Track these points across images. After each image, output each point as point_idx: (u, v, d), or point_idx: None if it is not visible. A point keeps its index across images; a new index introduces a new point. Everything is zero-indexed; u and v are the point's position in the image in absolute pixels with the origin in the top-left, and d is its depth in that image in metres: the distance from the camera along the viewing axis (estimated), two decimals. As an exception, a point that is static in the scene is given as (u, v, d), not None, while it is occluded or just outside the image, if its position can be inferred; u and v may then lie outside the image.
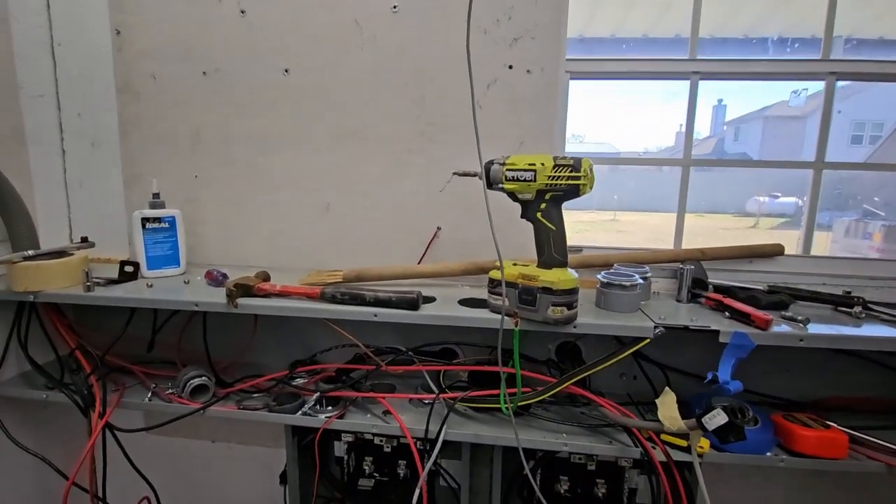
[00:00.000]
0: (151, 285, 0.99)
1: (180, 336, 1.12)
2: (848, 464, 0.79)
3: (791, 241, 1.07)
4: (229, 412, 0.94)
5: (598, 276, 0.88)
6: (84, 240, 1.09)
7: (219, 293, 0.92)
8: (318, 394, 0.95)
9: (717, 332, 0.77)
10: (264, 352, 1.16)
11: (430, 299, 0.92)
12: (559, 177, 0.74)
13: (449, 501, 1.12)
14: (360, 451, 1.14)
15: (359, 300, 0.87)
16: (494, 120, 1.05)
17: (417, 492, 0.85)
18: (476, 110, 1.03)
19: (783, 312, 0.83)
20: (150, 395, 0.98)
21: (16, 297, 0.94)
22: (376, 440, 1.12)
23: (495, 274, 0.82)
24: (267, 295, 0.91)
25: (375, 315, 0.85)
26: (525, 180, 0.77)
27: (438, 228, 1.10)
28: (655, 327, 0.77)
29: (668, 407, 0.73)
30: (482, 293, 0.88)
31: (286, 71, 1.09)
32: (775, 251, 1.02)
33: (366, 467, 1.14)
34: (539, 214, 0.77)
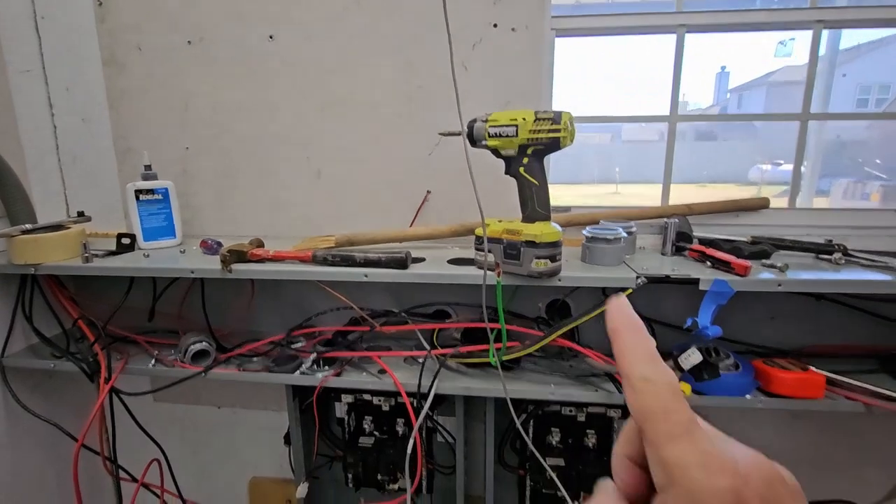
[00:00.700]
0: (148, 255, 1.02)
1: (180, 306, 1.15)
2: (824, 403, 0.82)
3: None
4: (230, 374, 0.98)
5: (584, 232, 0.90)
6: (80, 214, 1.11)
7: (214, 261, 0.94)
8: (314, 354, 0.98)
9: (698, 281, 0.79)
10: (262, 320, 1.19)
11: (420, 260, 0.94)
12: (540, 130, 0.75)
13: (446, 455, 1.16)
14: (360, 411, 1.18)
15: (349, 261, 0.89)
16: (481, 80, 1.04)
17: (412, 442, 0.89)
18: (462, 71, 1.04)
19: (764, 261, 0.85)
20: (153, 361, 1.02)
21: (17, 270, 0.96)
22: (375, 400, 1.16)
23: (481, 231, 0.84)
24: (260, 260, 0.93)
25: (366, 275, 0.87)
26: (507, 136, 0.77)
27: (428, 192, 1.11)
28: (637, 277, 0.79)
29: (648, 352, 0.76)
30: (471, 253, 0.90)
31: (270, 37, 1.08)
32: (760, 204, 1.04)
33: (366, 426, 1.19)
34: (522, 169, 0.79)
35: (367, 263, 0.88)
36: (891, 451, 0.93)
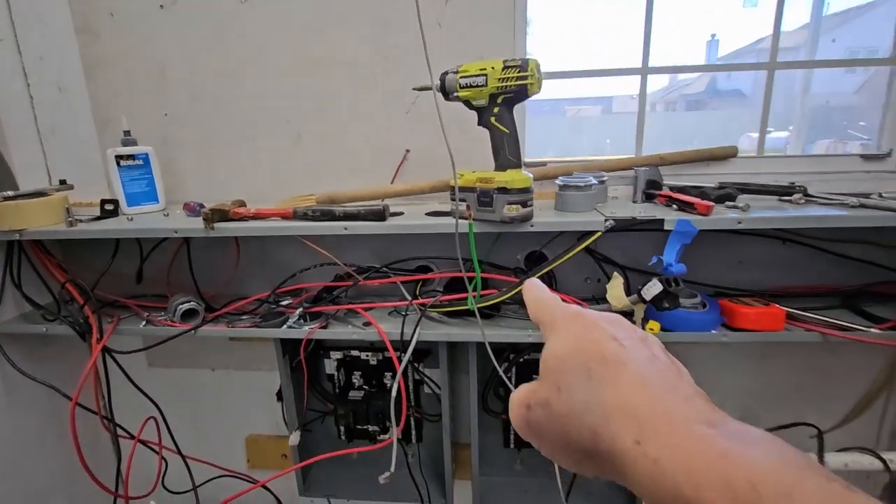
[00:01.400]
0: (132, 219, 1.04)
1: (168, 271, 1.18)
2: (784, 335, 0.87)
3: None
4: (220, 330, 1.01)
5: (556, 181, 0.93)
6: (63, 183, 1.12)
7: (198, 222, 0.96)
8: (300, 309, 1.01)
9: (662, 222, 0.82)
10: (250, 283, 1.21)
11: (399, 214, 0.97)
12: (508, 78, 0.77)
13: (434, 405, 1.22)
14: (349, 366, 1.23)
15: (329, 216, 0.91)
16: (455, 37, 1.05)
17: (395, 386, 0.93)
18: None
19: (729, 203, 0.89)
20: (144, 322, 1.05)
21: (1, 237, 0.98)
22: (363, 355, 1.21)
23: (458, 182, 0.86)
24: (242, 218, 0.95)
25: (345, 228, 0.90)
26: (478, 86, 0.79)
27: (407, 151, 1.13)
28: (605, 220, 0.83)
29: (615, 289, 0.80)
30: (450, 207, 0.93)
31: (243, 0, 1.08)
32: (729, 153, 1.06)
33: (355, 381, 1.23)
34: (493, 119, 0.81)
35: (347, 217, 0.91)
36: (851, 384, 0.99)
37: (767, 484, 0.19)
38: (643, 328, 0.87)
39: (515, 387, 1.02)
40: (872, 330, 0.85)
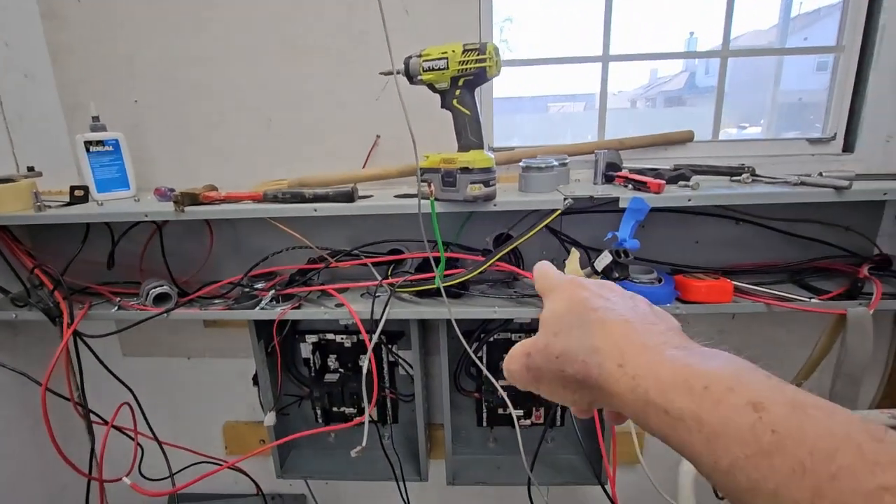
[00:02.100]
0: (102, 204, 1.04)
1: (140, 258, 1.18)
2: (732, 306, 0.92)
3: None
4: (193, 313, 1.02)
5: (520, 164, 0.97)
6: (31, 169, 1.11)
7: (168, 205, 0.97)
8: (273, 291, 1.03)
9: (618, 200, 0.87)
10: (223, 269, 1.22)
11: (369, 197, 0.99)
12: (468, 61, 0.80)
13: (408, 386, 1.25)
14: (324, 350, 1.25)
15: (299, 198, 0.93)
16: (422, 24, 1.08)
17: (367, 364, 0.96)
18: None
19: (682, 182, 0.93)
20: (116, 308, 1.06)
21: (-32, 223, 0.97)
22: (338, 338, 1.23)
23: (422, 164, 0.89)
24: (213, 202, 0.97)
25: (315, 210, 0.92)
26: (440, 69, 0.82)
27: (378, 136, 1.15)
28: (565, 199, 0.87)
29: (572, 263, 0.84)
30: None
31: (211, -15, 1.09)
32: (686, 138, 1.12)
33: (330, 364, 1.26)
34: (455, 101, 0.84)
35: (316, 199, 0.93)
36: (801, 354, 1.05)
37: (717, 383, 0.23)
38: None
39: (486, 366, 1.06)
40: (813, 300, 0.91)
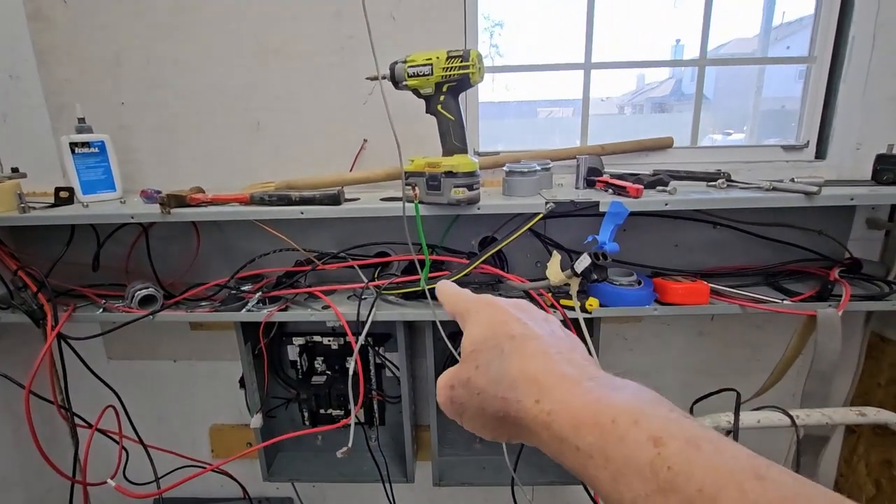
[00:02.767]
0: (87, 206, 1.04)
1: (126, 261, 1.18)
2: (709, 308, 0.95)
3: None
4: (179, 315, 1.03)
5: (503, 168, 0.99)
6: (15, 170, 1.11)
7: (155, 208, 0.97)
8: (259, 294, 1.04)
9: (598, 204, 0.89)
10: (209, 272, 1.22)
11: (355, 200, 1.01)
12: (452, 67, 0.82)
13: (395, 389, 1.26)
14: (311, 352, 1.26)
15: (286, 200, 0.94)
16: (409, 29, 1.10)
17: (353, 365, 0.97)
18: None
19: (660, 187, 0.96)
20: (101, 310, 1.05)
21: (-50, 224, 0.97)
22: (325, 340, 1.24)
23: (407, 167, 0.91)
24: (200, 204, 0.97)
25: (302, 212, 0.93)
26: (424, 75, 0.84)
27: (365, 141, 1.17)
28: (547, 203, 0.89)
29: (553, 265, 0.86)
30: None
31: (200, -12, 1.10)
32: (665, 144, 1.15)
33: (317, 366, 1.26)
34: (439, 107, 0.86)
35: (303, 201, 0.94)
36: (775, 355, 1.08)
37: (624, 416, 0.24)
38: (583, 304, 0.93)
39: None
40: (785, 302, 0.95)
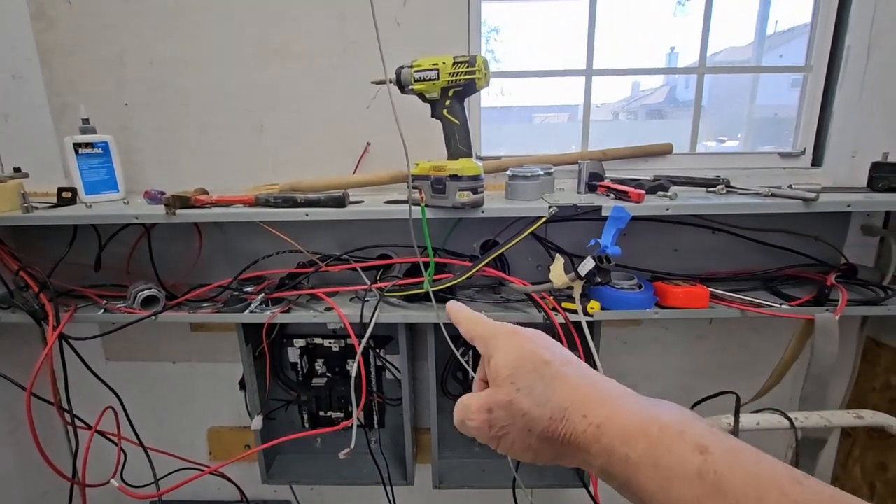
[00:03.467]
0: (90, 206, 1.04)
1: (128, 261, 1.18)
2: (708, 311, 0.96)
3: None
4: (181, 316, 1.03)
5: (507, 172, 1.00)
6: (17, 170, 1.10)
7: (159, 208, 0.97)
8: (262, 295, 1.04)
9: (600, 208, 0.90)
10: (211, 273, 1.22)
11: (359, 202, 1.01)
12: (458, 73, 0.83)
13: (396, 391, 1.26)
14: (312, 354, 1.26)
15: (291, 202, 0.95)
16: (412, 36, 1.11)
17: (355, 367, 0.97)
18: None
19: (660, 193, 0.98)
20: (102, 310, 1.05)
21: (-48, 223, 0.96)
22: (326, 342, 1.24)
23: (413, 171, 0.92)
24: (204, 205, 0.98)
25: (307, 214, 0.94)
26: (430, 79, 0.85)
27: (368, 144, 1.17)
28: (550, 207, 0.90)
29: (556, 268, 0.87)
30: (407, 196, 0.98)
31: (205, -9, 1.10)
32: (665, 150, 1.16)
33: (318, 368, 1.26)
34: (445, 111, 0.87)
35: (308, 203, 0.94)
36: (773, 359, 1.09)
37: (669, 427, 0.26)
38: (585, 308, 0.94)
39: (473, 369, 1.08)
40: (783, 306, 0.96)
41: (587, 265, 0.78)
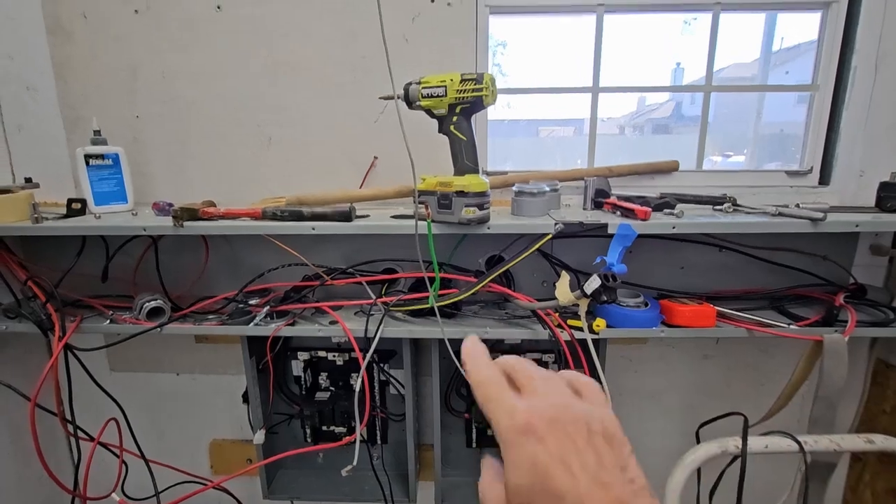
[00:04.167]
0: (100, 217, 1.05)
1: (134, 272, 1.18)
2: (715, 331, 0.95)
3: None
4: (186, 328, 1.03)
5: (513, 188, 1.00)
6: (28, 181, 1.12)
7: (167, 220, 0.98)
8: (267, 307, 1.04)
9: (606, 226, 0.90)
10: (217, 285, 1.23)
11: (365, 217, 1.02)
12: (465, 90, 0.84)
13: (399, 406, 1.25)
14: (316, 367, 1.25)
15: (297, 216, 0.95)
16: (420, 52, 1.12)
17: (359, 381, 0.97)
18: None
19: (667, 210, 0.97)
20: (108, 321, 1.05)
21: (-37, 233, 0.97)
22: (330, 356, 1.23)
23: (419, 186, 0.92)
24: (212, 217, 0.98)
25: (313, 228, 0.94)
26: (438, 96, 0.86)
27: (375, 158, 1.18)
28: (556, 224, 0.90)
29: (562, 286, 0.87)
30: (413, 211, 0.98)
31: (218, 7, 1.12)
32: (672, 167, 1.16)
33: (321, 382, 1.26)
34: (452, 127, 0.87)
35: (315, 217, 0.95)
36: (781, 379, 1.08)
37: None
38: (590, 325, 0.94)
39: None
40: (791, 327, 0.95)
41: (593, 283, 0.78)
